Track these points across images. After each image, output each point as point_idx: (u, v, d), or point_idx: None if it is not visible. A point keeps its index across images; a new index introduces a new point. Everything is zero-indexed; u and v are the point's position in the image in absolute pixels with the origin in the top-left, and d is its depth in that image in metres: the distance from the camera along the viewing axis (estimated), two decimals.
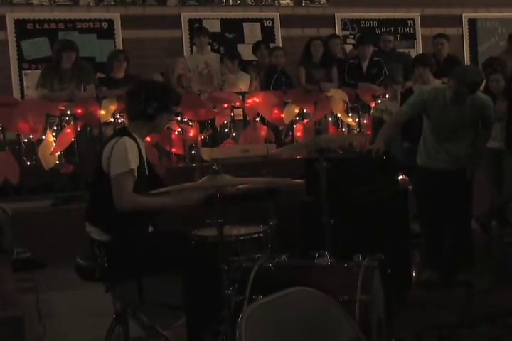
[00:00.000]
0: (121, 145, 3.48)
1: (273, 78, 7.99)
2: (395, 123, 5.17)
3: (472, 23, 10.55)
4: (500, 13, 10.43)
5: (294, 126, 7.70)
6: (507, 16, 10.44)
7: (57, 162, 6.89)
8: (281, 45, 9.07)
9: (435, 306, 4.51)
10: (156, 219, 3.71)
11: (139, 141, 3.62)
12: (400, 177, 6.74)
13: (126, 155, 3.46)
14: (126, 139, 3.52)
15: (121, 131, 3.76)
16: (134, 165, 3.47)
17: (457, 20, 10.45)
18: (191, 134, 7.20)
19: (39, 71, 7.65)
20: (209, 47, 8.63)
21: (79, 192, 6.39)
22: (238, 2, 9.42)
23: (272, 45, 8.88)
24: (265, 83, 8.02)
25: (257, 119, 7.53)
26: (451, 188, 4.96)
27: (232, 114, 7.47)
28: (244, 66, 8.22)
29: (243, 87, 7.80)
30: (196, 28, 8.94)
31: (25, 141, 6.94)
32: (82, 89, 7.23)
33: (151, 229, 3.67)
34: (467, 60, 10.24)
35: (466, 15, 10.50)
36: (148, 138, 6.20)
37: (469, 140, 5.01)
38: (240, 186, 3.49)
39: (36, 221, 6.00)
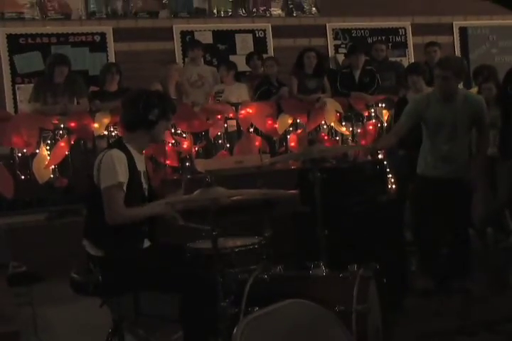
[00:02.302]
0: (108, 158, 3.47)
1: (260, 89, 8.02)
2: (394, 134, 5.20)
3: (463, 30, 10.59)
4: (490, 20, 10.48)
5: (288, 136, 7.71)
6: (497, 24, 10.49)
7: (52, 176, 6.88)
8: (273, 56, 9.09)
9: (432, 314, 4.51)
10: (156, 234, 3.70)
11: (135, 153, 3.60)
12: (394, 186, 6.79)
13: (114, 168, 3.44)
14: (114, 151, 3.50)
15: (114, 144, 3.75)
16: (122, 178, 3.45)
17: (448, 28, 10.49)
18: (185, 146, 7.19)
19: (32, 85, 7.65)
20: (202, 60, 8.65)
21: (73, 206, 6.36)
22: (230, 13, 9.45)
23: (264, 56, 8.91)
24: (253, 94, 8.06)
25: (251, 130, 7.53)
26: (450, 196, 4.97)
27: (225, 125, 7.48)
28: (239, 77, 8.26)
29: (242, 97, 7.82)
30: (190, 40, 8.97)
31: (19, 155, 6.93)
32: (75, 103, 7.25)
33: (147, 243, 3.66)
34: None
35: (457, 23, 10.54)
36: None
37: (466, 145, 5.02)
38: (234, 198, 3.49)
39: (31, 235, 5.98)
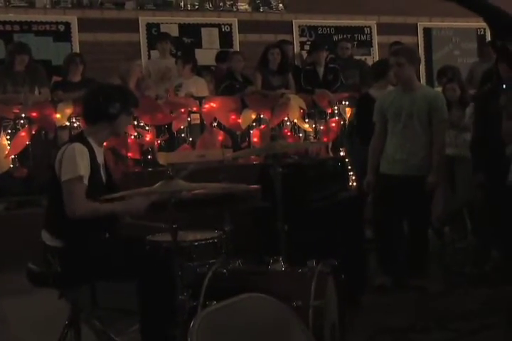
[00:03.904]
0: (70, 151, 3.47)
1: (223, 84, 8.01)
2: (377, 136, 5.29)
3: (427, 31, 10.74)
4: (454, 22, 10.64)
5: (251, 131, 7.71)
6: (461, 26, 10.66)
7: (11, 165, 6.78)
8: (238, 50, 9.10)
9: (388, 311, 4.56)
10: (113, 226, 3.69)
11: (95, 146, 3.60)
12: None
13: (75, 161, 3.44)
14: (76, 145, 3.50)
15: (76, 137, 3.74)
16: (83, 171, 3.45)
17: (413, 29, 10.64)
18: (148, 139, 7.15)
19: None
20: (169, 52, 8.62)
21: (33, 197, 6.30)
22: (196, 7, 9.43)
23: (230, 50, 8.91)
24: (215, 88, 8.05)
25: (214, 124, 7.52)
26: (410, 195, 5.03)
27: (189, 119, 7.46)
28: (200, 71, 8.24)
29: (199, 91, 7.79)
30: (157, 33, 8.94)
31: None
32: (37, 93, 7.15)
33: (107, 235, 3.66)
34: (422, 68, 10.38)
35: (422, 24, 10.69)
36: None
37: (423, 140, 5.06)
38: (195, 191, 3.49)
39: None
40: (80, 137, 3.65)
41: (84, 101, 3.75)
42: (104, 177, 3.67)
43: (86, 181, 3.46)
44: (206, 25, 9.47)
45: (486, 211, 5.50)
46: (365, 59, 9.93)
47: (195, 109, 7.42)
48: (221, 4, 9.56)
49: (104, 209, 3.50)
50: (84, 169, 3.45)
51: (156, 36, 8.89)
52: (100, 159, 3.65)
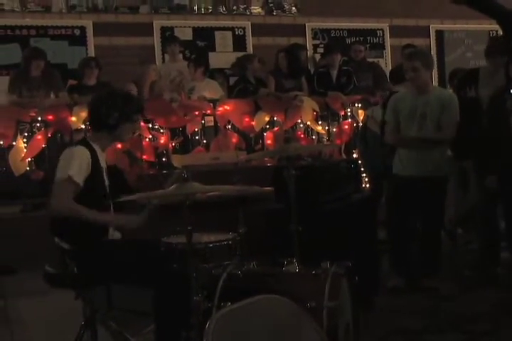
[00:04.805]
0: (68, 154, 3.54)
1: (237, 87, 8.05)
2: (390, 133, 5.31)
3: (439, 34, 10.74)
4: (466, 24, 10.63)
5: (265, 133, 7.74)
6: (473, 28, 10.64)
7: (28, 168, 6.85)
8: (252, 53, 9.13)
9: (402, 312, 4.57)
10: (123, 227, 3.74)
11: (99, 151, 3.65)
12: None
13: (70, 162, 3.48)
14: (77, 147, 3.57)
15: (79, 141, 3.80)
16: (74, 171, 3.46)
17: (425, 31, 10.64)
18: (162, 141, 7.20)
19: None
20: (181, 55, 8.66)
21: (48, 199, 6.33)
22: (210, 10, 9.47)
23: (243, 54, 8.95)
24: (229, 92, 8.09)
25: (228, 127, 7.56)
26: (423, 197, 5.05)
27: (203, 122, 7.50)
28: (213, 73, 8.28)
29: (212, 94, 7.84)
30: (168, 36, 8.99)
31: None
32: (53, 97, 7.22)
33: (118, 235, 3.71)
34: (434, 70, 10.37)
35: (434, 26, 10.69)
36: (119, 145, 6.26)
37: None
38: (210, 193, 3.52)
39: (5, 227, 5.97)
40: (83, 141, 3.73)
41: (89, 109, 3.81)
42: (107, 182, 3.71)
43: (79, 181, 3.47)
44: (220, 28, 9.50)
45: (490, 213, 5.50)
46: (378, 61, 9.94)
47: (209, 111, 7.46)
48: (234, 8, 9.59)
49: (85, 213, 3.46)
50: (76, 169, 3.46)
51: (166, 39, 8.95)
52: (103, 163, 3.70)
